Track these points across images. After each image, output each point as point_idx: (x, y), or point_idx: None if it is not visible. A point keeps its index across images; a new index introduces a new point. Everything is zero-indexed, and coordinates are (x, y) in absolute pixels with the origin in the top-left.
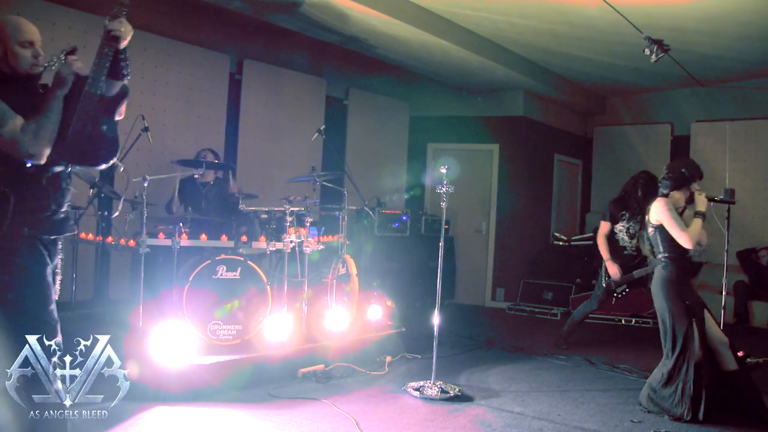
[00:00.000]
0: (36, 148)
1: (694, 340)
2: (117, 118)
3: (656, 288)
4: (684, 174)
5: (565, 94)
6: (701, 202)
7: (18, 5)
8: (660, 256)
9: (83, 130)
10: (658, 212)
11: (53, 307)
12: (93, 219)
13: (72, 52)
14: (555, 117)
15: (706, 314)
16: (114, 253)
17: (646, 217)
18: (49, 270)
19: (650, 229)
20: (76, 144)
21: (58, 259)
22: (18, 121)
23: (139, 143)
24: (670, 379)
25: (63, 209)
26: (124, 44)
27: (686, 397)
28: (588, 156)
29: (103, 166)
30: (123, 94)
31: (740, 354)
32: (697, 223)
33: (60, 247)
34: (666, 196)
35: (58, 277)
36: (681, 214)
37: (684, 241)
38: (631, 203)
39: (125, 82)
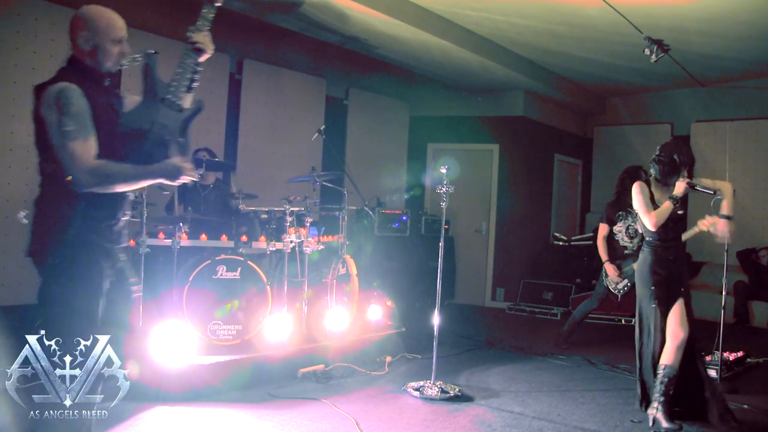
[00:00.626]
0: (83, 182)
1: (656, 325)
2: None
3: (637, 271)
4: (675, 161)
5: (565, 94)
6: (678, 187)
7: (18, 5)
8: (644, 242)
9: (158, 142)
10: (633, 194)
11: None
12: None
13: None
14: (555, 117)
15: (679, 304)
16: None
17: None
18: (105, 282)
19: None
20: (151, 156)
21: (126, 271)
22: (90, 145)
23: None
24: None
25: (124, 218)
26: (204, 59)
27: (638, 383)
28: (588, 156)
29: (177, 183)
30: (198, 109)
31: (740, 354)
32: (666, 205)
33: (123, 258)
34: (647, 182)
35: (134, 289)
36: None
37: (648, 220)
38: (624, 201)
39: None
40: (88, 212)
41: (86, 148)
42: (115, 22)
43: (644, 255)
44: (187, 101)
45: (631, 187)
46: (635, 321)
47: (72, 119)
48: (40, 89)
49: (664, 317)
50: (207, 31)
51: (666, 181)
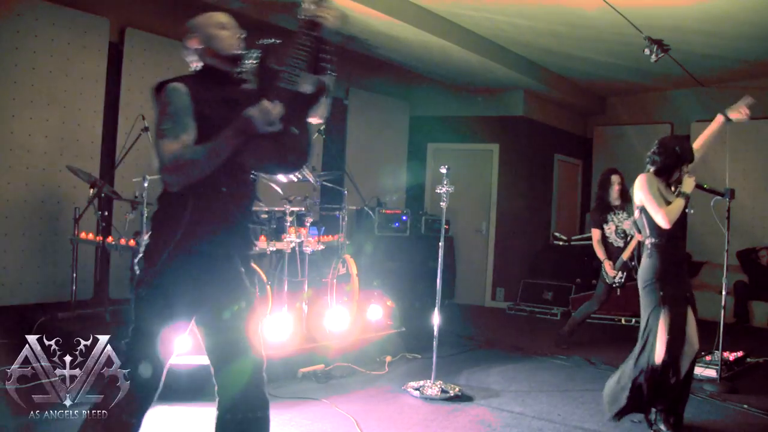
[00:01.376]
0: (167, 177)
1: (670, 329)
2: (313, 120)
3: (641, 277)
4: (677, 153)
5: (565, 94)
6: (688, 184)
7: (18, 5)
8: (647, 242)
9: (271, 132)
10: (638, 188)
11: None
12: (93, 219)
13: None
14: (555, 117)
15: (689, 313)
16: (114, 253)
17: (634, 202)
18: (221, 291)
19: (636, 213)
20: (262, 147)
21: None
22: (179, 142)
23: (139, 143)
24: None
25: (245, 222)
26: (327, 30)
27: (625, 390)
28: (588, 156)
29: (292, 175)
30: (321, 90)
31: (740, 354)
32: (678, 202)
33: (245, 264)
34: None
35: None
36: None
37: (660, 218)
38: (607, 203)
39: (327, 78)
40: (193, 218)
41: (172, 145)
42: (213, 14)
43: (652, 259)
44: (311, 84)
45: (606, 189)
46: (642, 326)
47: (167, 118)
48: (154, 90)
49: (677, 319)
50: None
51: (667, 175)
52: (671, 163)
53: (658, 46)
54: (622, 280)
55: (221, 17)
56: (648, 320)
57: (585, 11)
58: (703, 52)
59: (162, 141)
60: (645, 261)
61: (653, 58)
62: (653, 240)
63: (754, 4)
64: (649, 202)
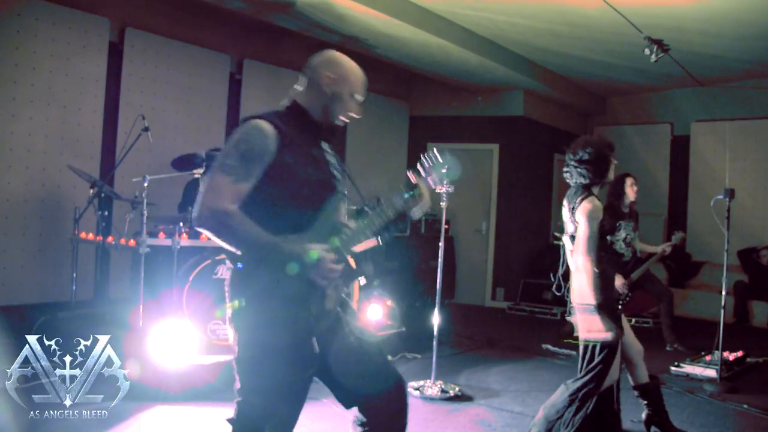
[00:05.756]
0: (202, 218)
1: (615, 359)
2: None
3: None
4: (607, 154)
5: (565, 94)
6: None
7: (18, 5)
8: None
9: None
10: (582, 212)
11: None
12: (93, 219)
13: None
14: (555, 117)
15: (624, 322)
16: (114, 253)
17: (575, 213)
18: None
19: (572, 226)
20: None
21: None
22: (238, 189)
23: (139, 143)
24: (572, 401)
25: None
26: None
27: (577, 418)
28: None
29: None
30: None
31: (740, 354)
32: (596, 282)
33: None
34: (588, 189)
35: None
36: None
37: (581, 262)
38: (619, 210)
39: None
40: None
41: (231, 189)
42: (363, 76)
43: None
44: (367, 244)
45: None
46: (598, 352)
47: (237, 156)
48: (242, 122)
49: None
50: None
51: (599, 182)
52: (604, 169)
53: (658, 46)
54: (629, 298)
55: (362, 86)
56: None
57: (585, 11)
58: (703, 52)
59: (222, 176)
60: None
61: (653, 58)
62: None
63: (754, 4)
64: (582, 238)
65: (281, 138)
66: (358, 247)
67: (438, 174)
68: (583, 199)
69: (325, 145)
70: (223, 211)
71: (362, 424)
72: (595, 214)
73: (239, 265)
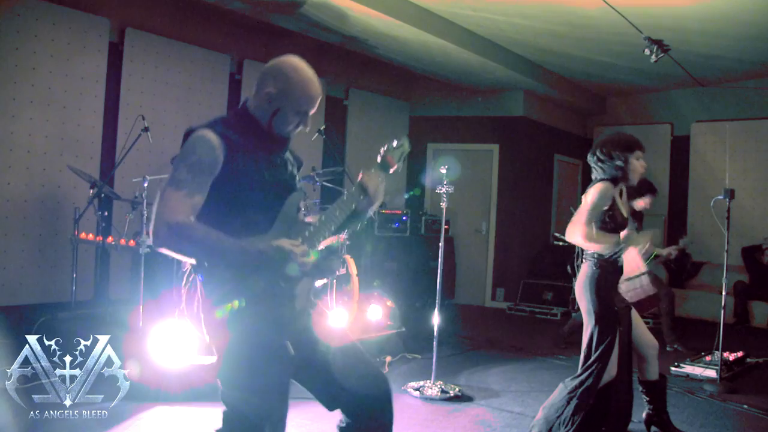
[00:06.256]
0: (159, 236)
1: (612, 356)
2: None
3: (583, 286)
4: (616, 154)
5: (565, 94)
6: (634, 241)
7: (18, 5)
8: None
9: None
10: (589, 193)
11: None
12: (93, 219)
13: None
14: (555, 117)
15: (634, 316)
16: (114, 253)
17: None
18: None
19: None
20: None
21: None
22: (192, 201)
23: (139, 143)
24: (570, 399)
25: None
26: (369, 210)
27: (576, 417)
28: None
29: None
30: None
31: (740, 354)
32: (612, 239)
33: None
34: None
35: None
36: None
37: (579, 231)
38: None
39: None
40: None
41: (186, 202)
42: (312, 91)
43: (595, 269)
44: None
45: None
46: (595, 348)
47: (186, 169)
48: (186, 134)
49: (628, 332)
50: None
51: (615, 179)
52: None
53: (658, 46)
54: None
55: (311, 102)
56: (594, 336)
57: (585, 11)
58: (703, 52)
59: (173, 191)
60: (587, 269)
61: (653, 58)
62: (599, 251)
63: (754, 4)
64: (579, 211)
65: (227, 146)
66: (322, 244)
67: (395, 156)
68: (597, 182)
69: (275, 146)
70: (181, 224)
71: (347, 427)
72: (606, 192)
73: (200, 276)
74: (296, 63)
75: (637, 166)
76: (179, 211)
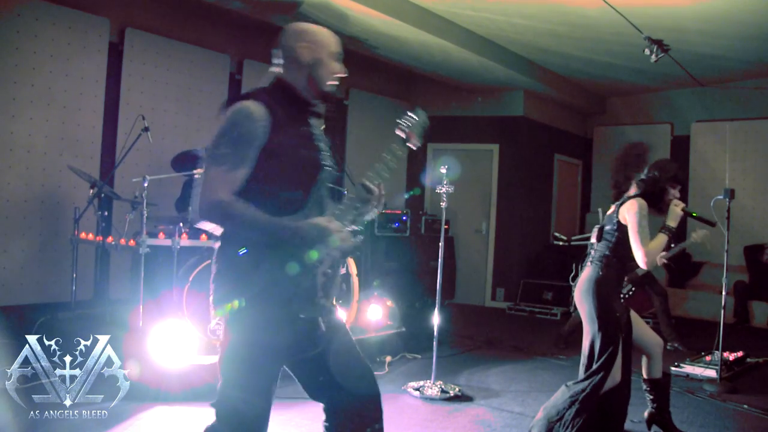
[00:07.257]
0: (201, 212)
1: (615, 362)
2: None
3: (585, 290)
4: (670, 176)
5: (565, 94)
6: (674, 215)
7: (18, 5)
8: (600, 251)
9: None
10: (628, 210)
11: None
12: (93, 219)
13: None
14: (555, 117)
15: (633, 316)
16: (114, 253)
17: (612, 209)
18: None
19: (608, 224)
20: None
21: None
22: (235, 177)
23: (139, 143)
24: (572, 403)
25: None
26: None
27: (577, 420)
28: (588, 156)
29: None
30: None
31: (740, 354)
32: (661, 239)
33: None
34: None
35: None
36: None
37: (640, 256)
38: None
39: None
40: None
41: (226, 179)
42: (331, 33)
43: (598, 271)
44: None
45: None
46: (598, 356)
47: (228, 143)
48: (227, 105)
49: (629, 337)
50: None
51: (655, 201)
52: (660, 190)
53: (658, 46)
54: (632, 292)
55: (337, 40)
56: (598, 342)
57: (585, 11)
58: (703, 52)
59: (216, 168)
60: (590, 272)
61: (653, 58)
62: (608, 253)
63: (754, 4)
64: (633, 235)
65: (273, 118)
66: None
67: (417, 132)
68: (632, 198)
69: (312, 121)
70: (220, 201)
71: (333, 426)
72: (643, 209)
73: (240, 252)
74: (300, 23)
75: (672, 197)
76: (220, 188)
